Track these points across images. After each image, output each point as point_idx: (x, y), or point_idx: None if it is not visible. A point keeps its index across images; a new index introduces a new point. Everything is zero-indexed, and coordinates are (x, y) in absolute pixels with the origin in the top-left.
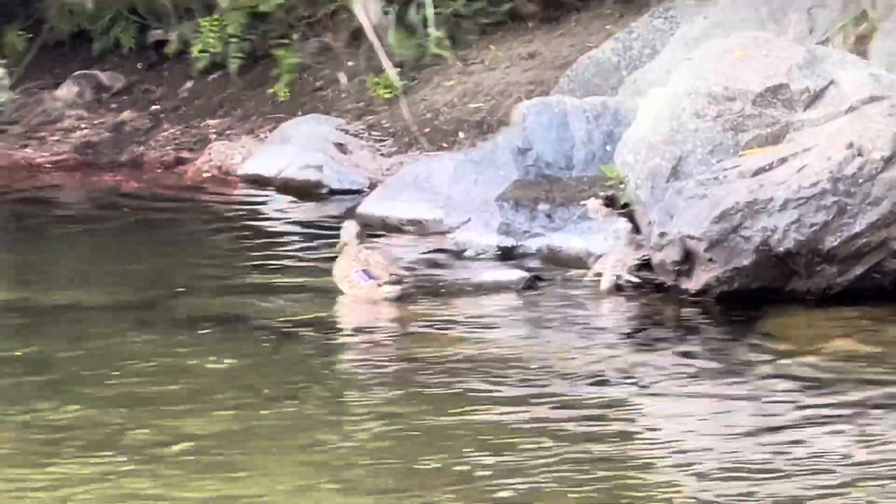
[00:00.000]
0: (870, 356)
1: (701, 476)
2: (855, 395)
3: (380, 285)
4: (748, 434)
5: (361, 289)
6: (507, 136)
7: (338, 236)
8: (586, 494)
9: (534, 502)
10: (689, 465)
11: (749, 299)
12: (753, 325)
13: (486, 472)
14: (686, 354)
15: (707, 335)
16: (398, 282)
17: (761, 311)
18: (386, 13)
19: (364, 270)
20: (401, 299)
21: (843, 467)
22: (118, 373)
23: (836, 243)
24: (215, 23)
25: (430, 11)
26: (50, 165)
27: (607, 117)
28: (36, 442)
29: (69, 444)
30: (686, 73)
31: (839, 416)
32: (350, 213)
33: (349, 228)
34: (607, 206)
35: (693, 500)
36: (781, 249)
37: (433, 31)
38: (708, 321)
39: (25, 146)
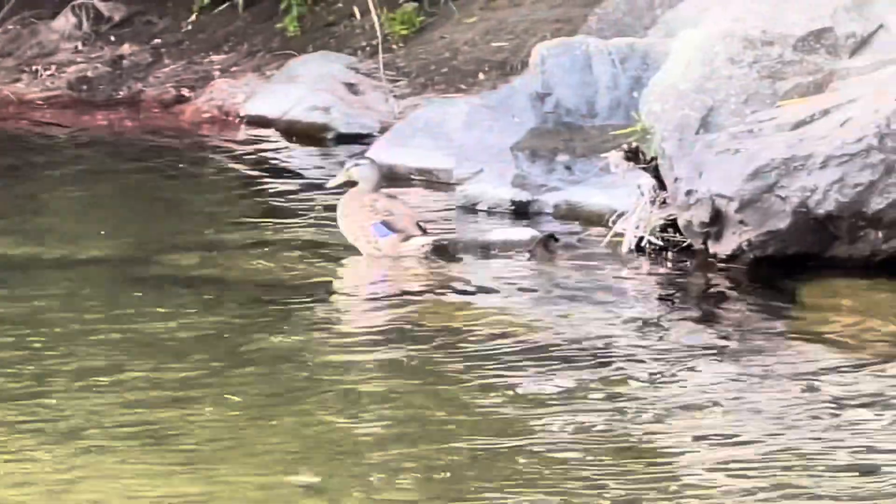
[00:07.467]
0: None
1: (733, 468)
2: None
3: (405, 239)
4: (778, 418)
5: (379, 244)
6: (525, 80)
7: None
8: (605, 482)
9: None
10: (714, 452)
11: (784, 265)
12: (789, 294)
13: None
14: (712, 327)
15: (737, 305)
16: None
17: (798, 279)
18: None
19: (384, 222)
20: (430, 257)
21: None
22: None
23: (882, 206)
24: None
25: None
26: (41, 101)
27: (635, 61)
28: None
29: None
30: (721, 14)
31: (880, 397)
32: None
33: (366, 172)
34: (629, 159)
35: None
36: (821, 211)
37: None
38: (738, 289)
39: (17, 80)
